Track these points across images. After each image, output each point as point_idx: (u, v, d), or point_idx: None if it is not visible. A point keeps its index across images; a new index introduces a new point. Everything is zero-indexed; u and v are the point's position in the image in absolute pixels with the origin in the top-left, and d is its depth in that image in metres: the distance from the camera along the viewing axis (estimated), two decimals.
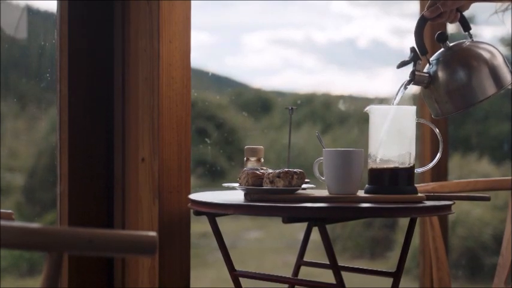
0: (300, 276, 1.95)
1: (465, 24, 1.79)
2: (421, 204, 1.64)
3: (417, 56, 1.74)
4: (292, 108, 1.82)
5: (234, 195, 1.78)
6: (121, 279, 2.01)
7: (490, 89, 1.71)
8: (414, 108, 1.73)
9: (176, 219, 1.96)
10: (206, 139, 3.23)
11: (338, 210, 1.62)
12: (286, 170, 1.66)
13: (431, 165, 1.80)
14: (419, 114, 2.86)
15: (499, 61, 1.73)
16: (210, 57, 3.43)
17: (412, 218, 1.71)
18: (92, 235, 1.00)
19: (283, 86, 3.86)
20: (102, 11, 2.02)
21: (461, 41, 1.78)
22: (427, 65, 1.76)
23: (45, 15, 2.35)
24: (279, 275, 1.79)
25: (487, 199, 1.78)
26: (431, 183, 2.12)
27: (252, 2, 3.61)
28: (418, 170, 1.75)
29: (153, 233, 1.02)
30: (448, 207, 1.67)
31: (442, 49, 1.77)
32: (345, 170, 1.68)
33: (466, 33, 1.80)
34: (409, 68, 1.75)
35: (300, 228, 1.90)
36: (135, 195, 1.98)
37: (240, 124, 3.50)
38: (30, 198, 2.71)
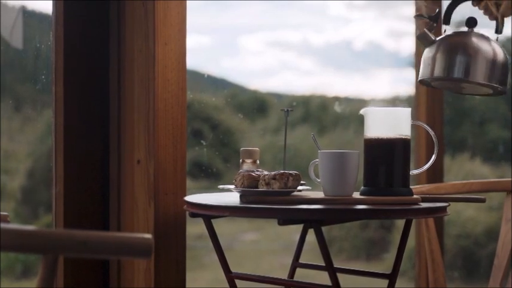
0: (296, 278, 1.95)
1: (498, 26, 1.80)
2: (416, 206, 1.64)
3: (437, 18, 1.74)
4: (288, 110, 1.82)
5: (230, 197, 1.78)
6: (117, 280, 2.00)
7: (487, 77, 1.71)
8: (409, 110, 1.73)
9: (172, 221, 1.96)
10: (202, 141, 3.22)
11: (334, 212, 1.61)
12: (282, 171, 1.66)
13: (426, 166, 1.80)
14: (415, 116, 2.86)
15: (506, 67, 1.73)
16: (207, 59, 3.43)
17: (407, 219, 1.71)
18: (87, 237, 1.00)
19: (279, 87, 3.86)
20: (98, 13, 2.02)
21: (486, 34, 1.78)
22: (443, 31, 1.76)
23: (40, 16, 2.35)
24: (275, 276, 1.79)
25: (483, 201, 1.78)
26: (426, 185, 2.11)
27: (249, 4, 3.60)
28: (413, 172, 1.75)
29: (148, 235, 1.02)
30: (444, 209, 1.67)
31: (466, 29, 1.76)
32: (340, 171, 1.68)
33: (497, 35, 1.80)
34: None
35: (296, 229, 1.90)
36: (130, 197, 1.98)
37: (236, 126, 3.50)
38: (26, 200, 2.71)
